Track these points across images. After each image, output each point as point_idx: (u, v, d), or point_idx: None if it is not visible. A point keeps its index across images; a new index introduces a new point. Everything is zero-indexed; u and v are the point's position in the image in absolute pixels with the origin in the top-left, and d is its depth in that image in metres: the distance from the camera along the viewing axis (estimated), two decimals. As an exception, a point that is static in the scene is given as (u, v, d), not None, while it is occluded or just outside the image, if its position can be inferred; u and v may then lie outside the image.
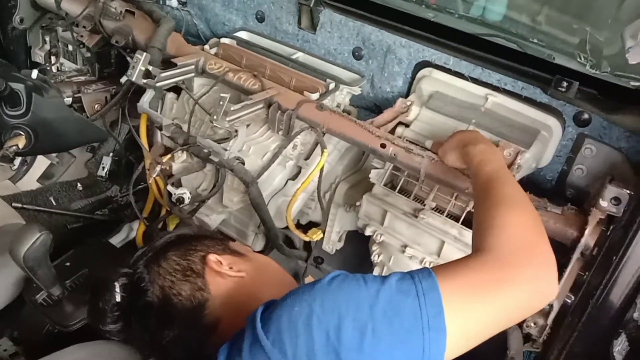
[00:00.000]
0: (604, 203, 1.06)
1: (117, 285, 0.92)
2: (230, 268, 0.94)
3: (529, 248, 0.81)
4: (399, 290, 0.71)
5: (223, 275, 0.93)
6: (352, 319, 0.68)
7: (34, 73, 1.51)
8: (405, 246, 1.31)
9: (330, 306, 0.69)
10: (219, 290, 0.91)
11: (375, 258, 1.39)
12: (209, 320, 0.88)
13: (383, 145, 1.27)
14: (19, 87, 1.41)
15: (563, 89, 1.18)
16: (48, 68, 1.91)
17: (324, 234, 1.52)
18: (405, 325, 0.68)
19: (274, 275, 1.02)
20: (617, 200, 1.05)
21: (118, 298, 0.91)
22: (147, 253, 0.98)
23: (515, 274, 0.76)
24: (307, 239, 1.47)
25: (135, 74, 1.42)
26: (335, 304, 0.69)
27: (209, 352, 0.80)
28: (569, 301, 1.15)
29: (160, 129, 1.51)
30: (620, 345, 1.06)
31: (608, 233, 1.08)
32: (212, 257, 0.94)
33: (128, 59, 1.75)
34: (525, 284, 0.76)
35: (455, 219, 1.25)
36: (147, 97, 1.52)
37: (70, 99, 1.68)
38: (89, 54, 1.79)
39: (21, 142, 1.44)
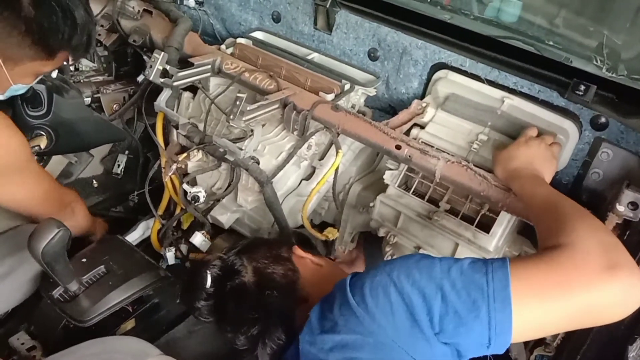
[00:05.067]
0: (620, 208, 1.06)
1: (209, 272, 1.10)
2: (311, 259, 1.15)
3: (608, 250, 0.79)
4: (470, 267, 0.80)
5: (307, 262, 1.14)
6: (424, 287, 0.78)
7: (54, 73, 1.53)
8: (419, 248, 1.31)
9: (406, 276, 0.80)
10: (306, 272, 1.11)
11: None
12: (301, 294, 1.06)
13: (398, 147, 1.27)
14: (40, 87, 1.42)
15: (580, 93, 1.18)
16: (65, 64, 1.93)
17: (339, 233, 1.54)
18: (472, 295, 0.76)
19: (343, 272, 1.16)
20: (634, 205, 1.05)
21: (209, 281, 1.08)
22: (235, 247, 1.17)
23: (595, 276, 0.76)
24: (323, 238, 1.48)
25: (152, 73, 1.43)
26: (410, 274, 0.80)
27: (298, 324, 0.93)
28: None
29: (177, 128, 1.52)
30: (635, 351, 1.06)
31: (625, 238, 1.08)
32: (297, 249, 1.17)
33: (145, 58, 1.76)
34: (607, 288, 0.75)
35: (470, 221, 1.25)
36: (164, 96, 1.53)
37: (90, 99, 1.69)
38: (106, 53, 1.81)
39: (43, 142, 1.46)
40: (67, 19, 1.15)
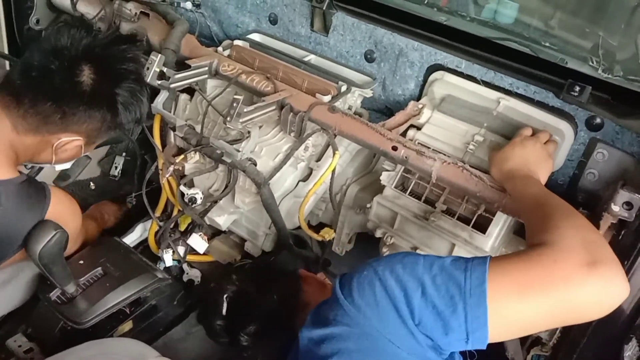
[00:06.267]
0: (615, 208, 1.06)
1: (224, 297, 1.20)
2: (314, 277, 1.27)
3: (590, 247, 0.79)
4: (451, 264, 0.83)
5: (310, 280, 1.25)
6: (406, 282, 0.82)
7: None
8: (416, 248, 1.31)
9: (390, 271, 0.84)
10: (309, 286, 1.21)
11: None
12: (301, 301, 1.17)
13: (395, 148, 1.27)
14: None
15: (575, 94, 1.18)
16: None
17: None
18: (451, 291, 0.79)
19: None
20: (629, 205, 1.05)
21: (225, 307, 1.19)
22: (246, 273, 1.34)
23: (574, 272, 0.76)
24: (319, 238, 1.48)
25: (150, 75, 1.43)
26: (394, 270, 0.84)
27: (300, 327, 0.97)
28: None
29: (174, 130, 1.52)
30: (631, 350, 1.06)
31: (620, 238, 1.08)
32: (302, 271, 1.30)
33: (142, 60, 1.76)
34: (585, 284, 0.76)
35: (466, 221, 1.25)
36: (161, 98, 1.53)
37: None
38: (103, 55, 1.81)
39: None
40: (141, 105, 1.34)
